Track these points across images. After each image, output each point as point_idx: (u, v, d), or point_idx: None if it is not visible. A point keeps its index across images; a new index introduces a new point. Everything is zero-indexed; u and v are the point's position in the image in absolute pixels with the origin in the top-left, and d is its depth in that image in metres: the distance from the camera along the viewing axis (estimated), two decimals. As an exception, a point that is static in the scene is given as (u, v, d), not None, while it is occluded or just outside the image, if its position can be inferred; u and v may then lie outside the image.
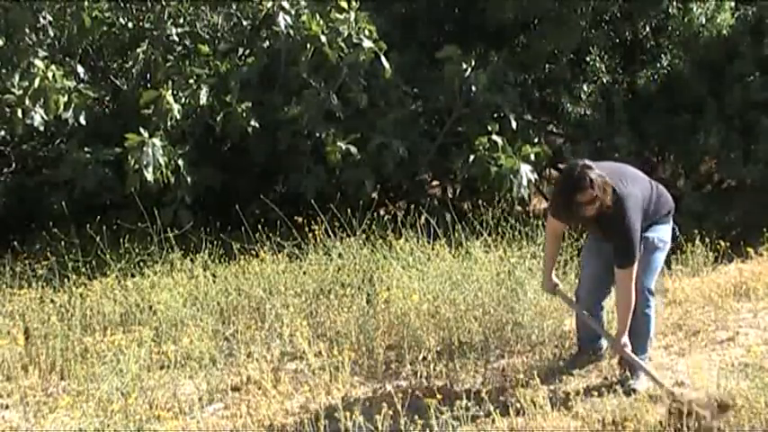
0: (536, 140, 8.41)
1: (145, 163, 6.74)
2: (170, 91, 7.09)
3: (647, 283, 4.49)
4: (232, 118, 7.30)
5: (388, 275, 5.66)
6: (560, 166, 9.32)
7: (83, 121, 7.10)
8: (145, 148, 6.76)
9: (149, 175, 6.75)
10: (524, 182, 7.53)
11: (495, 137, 7.65)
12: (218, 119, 7.31)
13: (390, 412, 3.90)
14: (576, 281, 5.02)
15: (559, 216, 4.47)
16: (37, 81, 6.74)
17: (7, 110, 6.78)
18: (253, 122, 7.32)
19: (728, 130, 8.91)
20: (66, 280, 5.87)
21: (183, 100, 7.25)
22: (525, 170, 7.54)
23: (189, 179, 7.10)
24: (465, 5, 9.25)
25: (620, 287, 4.36)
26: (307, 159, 7.66)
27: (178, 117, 7.09)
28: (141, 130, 6.80)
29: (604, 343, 4.73)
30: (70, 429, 4.04)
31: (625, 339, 4.38)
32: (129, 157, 6.73)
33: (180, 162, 7.04)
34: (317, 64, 7.59)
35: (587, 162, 4.22)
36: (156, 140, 6.82)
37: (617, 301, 4.44)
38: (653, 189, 4.56)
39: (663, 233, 4.57)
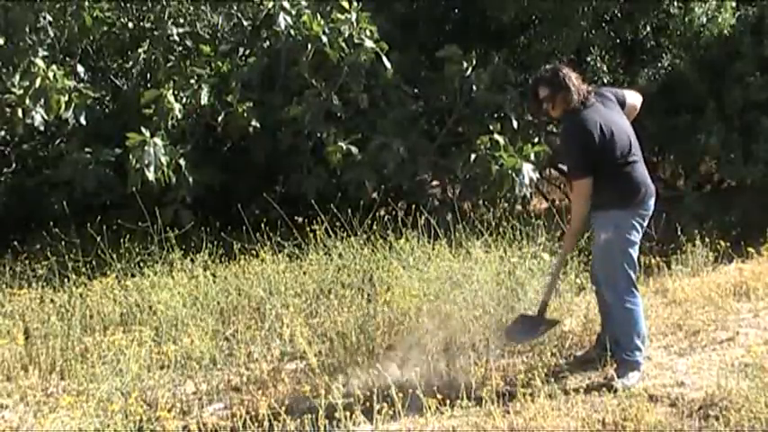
0: (536, 140, 8.41)
1: (146, 162, 6.74)
2: (171, 91, 7.09)
3: (611, 278, 4.50)
4: (233, 118, 7.31)
5: (388, 275, 5.66)
6: (560, 165, 9.32)
7: (83, 121, 7.10)
8: (146, 148, 6.76)
9: (151, 175, 6.75)
10: (526, 181, 7.53)
11: (496, 136, 7.65)
12: (220, 119, 7.31)
13: (390, 412, 3.90)
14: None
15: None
16: (38, 81, 6.74)
17: (7, 110, 6.78)
18: (254, 122, 7.32)
19: (729, 130, 8.91)
20: (66, 280, 5.87)
21: (185, 100, 7.24)
22: (527, 169, 7.54)
23: (190, 179, 7.10)
24: (465, 5, 9.25)
25: (573, 197, 4.64)
26: (307, 159, 7.66)
27: (179, 117, 7.10)
28: (143, 129, 6.80)
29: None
30: (70, 429, 4.04)
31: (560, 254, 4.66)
32: (131, 157, 6.73)
33: (181, 162, 7.04)
34: (318, 64, 7.59)
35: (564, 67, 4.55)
36: (158, 140, 6.82)
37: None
38: (632, 152, 4.54)
39: (625, 208, 4.50)
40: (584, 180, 4.43)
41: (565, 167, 4.54)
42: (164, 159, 6.82)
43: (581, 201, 4.49)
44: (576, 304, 5.50)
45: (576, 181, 4.51)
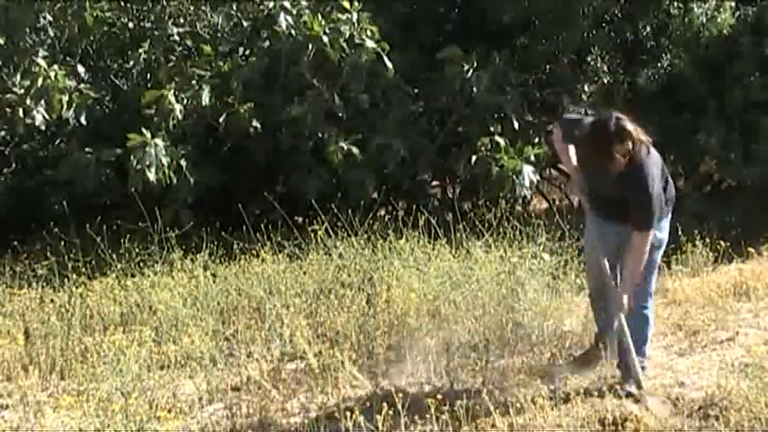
0: (537, 141, 8.41)
1: (147, 163, 6.73)
2: (172, 91, 7.09)
3: (648, 283, 4.47)
4: (234, 118, 7.30)
5: (388, 275, 5.65)
6: (560, 166, 9.31)
7: (83, 121, 7.10)
8: (147, 149, 6.76)
9: (152, 176, 6.74)
10: (526, 182, 7.54)
11: (497, 137, 7.66)
12: (221, 119, 7.31)
13: (390, 412, 3.90)
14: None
15: (587, 165, 4.44)
16: (40, 80, 6.74)
17: (8, 110, 6.78)
18: (255, 123, 7.32)
19: (729, 130, 8.91)
20: (66, 280, 5.87)
21: (186, 101, 7.24)
22: (527, 171, 7.55)
23: (191, 179, 7.10)
24: (465, 5, 9.25)
25: (635, 251, 4.27)
26: (308, 159, 7.66)
27: (180, 117, 7.10)
28: (143, 130, 6.80)
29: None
30: (70, 429, 4.04)
31: (625, 302, 4.31)
32: (132, 158, 6.73)
33: (182, 162, 7.03)
34: (319, 64, 7.59)
35: (619, 114, 4.20)
36: (159, 141, 6.82)
37: (627, 263, 4.32)
38: (664, 171, 4.50)
39: (662, 230, 4.53)
40: (651, 232, 4.29)
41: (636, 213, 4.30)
42: (165, 160, 6.82)
43: (644, 253, 4.28)
44: (576, 304, 5.50)
45: (644, 232, 4.27)
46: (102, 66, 8.23)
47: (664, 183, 4.46)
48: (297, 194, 7.58)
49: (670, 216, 4.61)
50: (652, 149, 4.33)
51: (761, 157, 8.75)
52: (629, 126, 4.13)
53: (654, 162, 4.32)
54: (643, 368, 4.49)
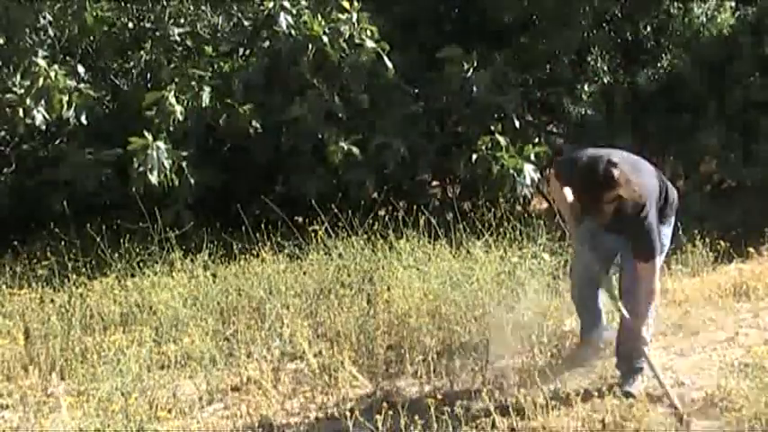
0: (537, 140, 8.42)
1: (149, 166, 6.73)
2: (173, 93, 7.09)
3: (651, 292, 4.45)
4: (235, 119, 7.30)
5: (388, 275, 5.66)
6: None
7: (84, 121, 7.10)
8: (149, 151, 6.75)
9: (154, 178, 6.74)
10: (528, 180, 7.55)
11: (498, 136, 7.66)
12: (222, 120, 7.30)
13: (390, 412, 3.91)
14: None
15: (581, 202, 4.42)
16: (40, 81, 6.74)
17: (8, 110, 6.78)
18: (255, 123, 7.32)
19: (729, 130, 8.90)
20: (66, 280, 5.88)
21: (186, 102, 7.24)
22: (528, 169, 7.55)
23: (192, 180, 7.10)
24: (465, 5, 9.24)
25: (644, 281, 4.26)
26: (308, 160, 7.66)
27: (181, 119, 7.09)
28: (145, 132, 6.80)
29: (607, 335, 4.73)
30: (70, 429, 4.05)
31: (645, 335, 4.31)
32: (134, 160, 6.73)
33: (183, 164, 7.03)
34: (319, 64, 7.59)
35: (612, 158, 4.11)
36: (161, 143, 6.82)
37: (638, 295, 4.31)
38: (662, 184, 4.47)
39: (666, 237, 4.52)
40: (657, 260, 4.29)
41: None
42: (166, 163, 6.82)
43: (655, 281, 4.29)
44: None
45: (650, 262, 4.26)
46: (102, 66, 8.22)
47: (664, 194, 4.43)
48: (297, 194, 7.58)
49: (673, 222, 4.60)
50: (647, 166, 4.36)
51: (761, 157, 8.74)
52: (616, 173, 4.03)
53: (651, 191, 4.27)
54: (641, 369, 4.50)
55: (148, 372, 4.64)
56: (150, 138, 6.78)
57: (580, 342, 4.84)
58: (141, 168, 6.71)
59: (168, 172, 6.83)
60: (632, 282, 4.39)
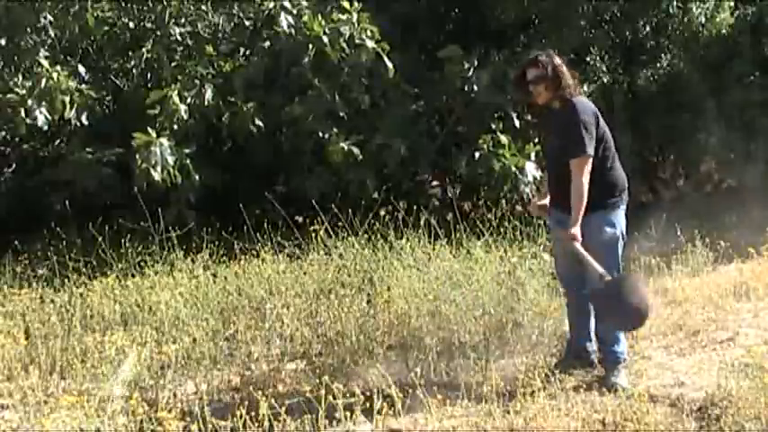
0: (537, 140, 8.42)
1: (153, 162, 6.74)
2: (176, 91, 7.09)
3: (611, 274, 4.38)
4: (237, 118, 7.31)
5: (388, 275, 5.66)
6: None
7: (84, 121, 7.10)
8: (153, 147, 6.76)
9: (157, 175, 6.75)
10: (529, 178, 7.57)
11: (499, 135, 7.67)
12: (224, 118, 7.31)
13: (390, 412, 3.91)
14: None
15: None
16: (43, 81, 6.74)
17: (9, 110, 6.78)
18: (257, 122, 7.32)
19: (728, 130, 8.91)
20: (66, 280, 5.88)
21: (189, 100, 7.24)
22: (530, 167, 7.58)
23: (195, 178, 7.10)
24: (465, 5, 9.26)
25: (573, 178, 4.36)
26: (308, 159, 7.66)
27: (185, 117, 7.10)
28: (149, 129, 6.80)
29: (592, 347, 4.74)
30: (70, 429, 4.05)
31: (576, 230, 4.31)
32: (137, 157, 6.74)
33: (187, 162, 7.03)
34: (319, 64, 7.59)
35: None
36: (164, 140, 6.83)
37: (571, 191, 4.37)
38: (599, 121, 4.48)
39: (618, 220, 4.49)
40: (586, 157, 4.33)
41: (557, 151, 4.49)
42: (170, 159, 6.82)
43: (584, 179, 4.32)
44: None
45: (576, 159, 4.34)
46: (102, 66, 8.24)
47: (602, 131, 4.47)
48: (297, 194, 7.58)
49: (625, 207, 4.58)
50: (584, 99, 4.55)
51: (761, 157, 8.75)
52: (546, 57, 4.52)
53: (587, 108, 4.45)
54: (625, 358, 4.54)
55: (148, 372, 4.64)
56: (154, 134, 6.78)
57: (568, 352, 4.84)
58: (144, 165, 6.71)
59: (171, 169, 6.84)
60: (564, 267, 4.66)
